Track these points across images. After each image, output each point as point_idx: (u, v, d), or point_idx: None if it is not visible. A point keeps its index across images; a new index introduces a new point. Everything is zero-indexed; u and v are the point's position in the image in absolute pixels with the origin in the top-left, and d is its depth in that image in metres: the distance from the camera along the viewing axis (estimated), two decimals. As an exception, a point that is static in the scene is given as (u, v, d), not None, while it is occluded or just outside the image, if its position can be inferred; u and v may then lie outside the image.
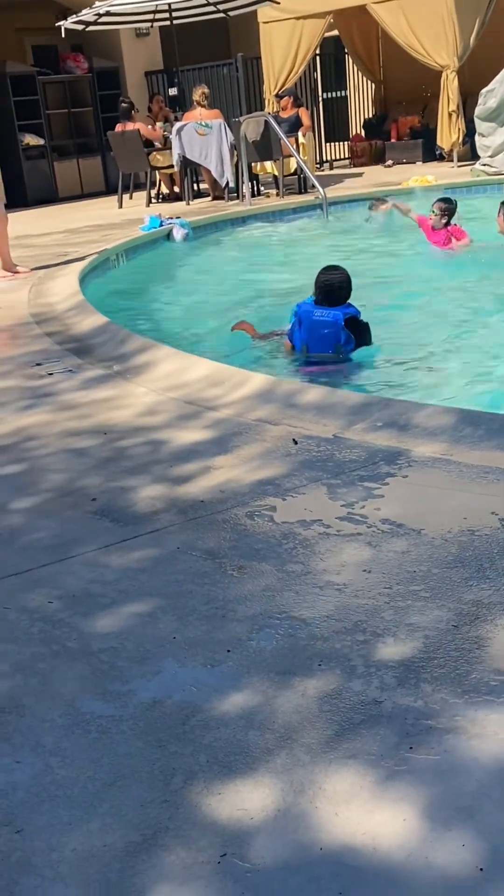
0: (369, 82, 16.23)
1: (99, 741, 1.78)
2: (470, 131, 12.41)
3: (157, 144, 12.20)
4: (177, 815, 1.58)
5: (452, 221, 7.34)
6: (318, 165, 14.73)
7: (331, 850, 1.46)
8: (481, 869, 1.39)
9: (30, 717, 1.87)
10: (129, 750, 1.75)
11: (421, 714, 1.74)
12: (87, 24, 12.37)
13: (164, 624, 2.17)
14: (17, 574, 2.48)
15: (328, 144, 16.42)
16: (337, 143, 16.52)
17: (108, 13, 12.06)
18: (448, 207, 7.29)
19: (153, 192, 12.63)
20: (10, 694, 1.95)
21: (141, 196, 12.52)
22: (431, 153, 13.98)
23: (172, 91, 13.45)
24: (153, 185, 12.65)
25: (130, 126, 12.05)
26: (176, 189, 12.58)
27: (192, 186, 12.29)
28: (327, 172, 14.57)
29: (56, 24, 12.51)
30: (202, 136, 11.39)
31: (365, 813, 1.53)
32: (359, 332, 4.67)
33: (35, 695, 1.94)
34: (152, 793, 1.63)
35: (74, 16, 12.29)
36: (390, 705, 1.78)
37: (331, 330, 4.59)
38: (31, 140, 14.22)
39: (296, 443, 3.18)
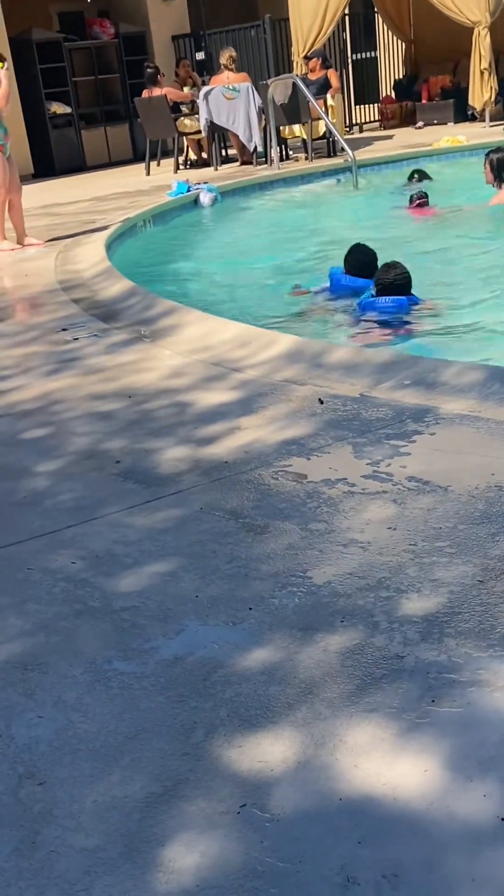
0: (399, 42, 15.90)
1: (120, 696, 1.78)
2: (502, 90, 12.13)
3: (185, 109, 12.08)
4: (197, 767, 1.58)
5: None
6: (347, 128, 14.52)
7: (350, 801, 1.45)
8: (502, 819, 1.37)
9: (52, 673, 1.88)
10: (151, 705, 1.75)
11: (444, 668, 1.72)
12: (112, -12, 12.22)
13: (187, 583, 2.16)
14: (41, 536, 2.49)
15: (358, 107, 16.14)
16: (367, 106, 16.23)
17: (132, -23, 11.91)
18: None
19: (181, 159, 12.53)
20: (33, 652, 1.96)
21: (168, 163, 12.44)
22: (463, 113, 13.70)
23: (200, 55, 13.30)
24: (181, 151, 12.56)
25: (157, 91, 11.94)
26: (204, 155, 12.48)
27: (220, 152, 12.19)
28: (357, 135, 14.35)
29: (81, -11, 12.38)
30: (230, 99, 11.25)
31: (385, 764, 1.52)
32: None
33: (57, 652, 1.95)
34: (173, 746, 1.63)
35: (99, -20, 12.16)
36: (413, 660, 1.76)
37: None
38: (57, 108, 14.14)
39: (322, 402, 3.15)
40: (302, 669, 1.79)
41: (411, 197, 7.78)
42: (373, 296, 4.77)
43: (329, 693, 1.71)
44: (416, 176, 8.92)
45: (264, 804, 1.47)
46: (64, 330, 4.67)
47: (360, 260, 5.23)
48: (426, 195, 7.71)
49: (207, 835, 1.43)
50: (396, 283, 4.75)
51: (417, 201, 7.60)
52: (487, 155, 7.31)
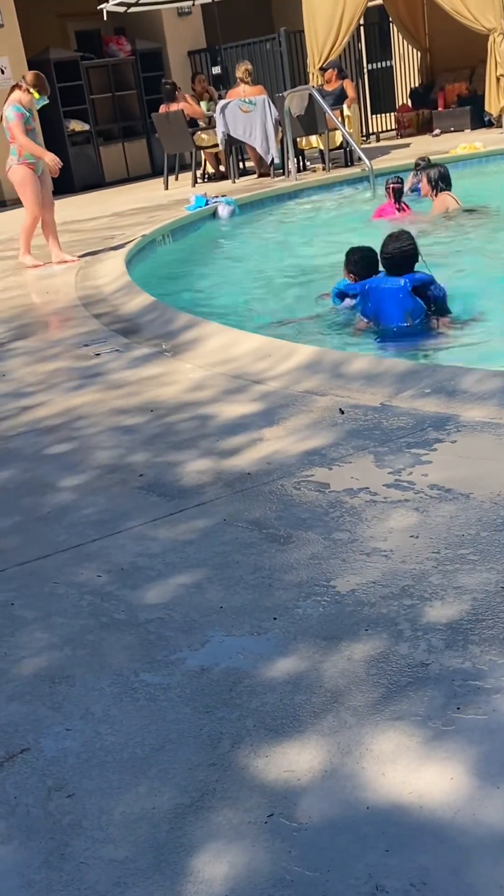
0: (415, 51, 15.92)
1: (147, 708, 1.80)
2: (519, 95, 12.12)
3: (201, 123, 12.16)
4: (224, 777, 1.59)
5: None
6: (364, 137, 14.53)
7: (377, 809, 1.46)
8: (530, 827, 1.37)
9: (79, 686, 1.90)
10: (177, 716, 1.76)
11: (469, 675, 1.72)
12: (129, 5, 12.37)
13: (211, 594, 2.18)
14: (67, 550, 2.52)
15: (374, 116, 16.18)
16: (383, 115, 16.26)
17: (148, -6, 12.04)
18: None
19: (199, 172, 12.61)
20: (60, 665, 1.98)
21: (187, 177, 12.51)
22: (480, 120, 13.68)
23: (216, 69, 13.39)
24: (198, 165, 12.63)
25: (174, 107, 12.04)
26: (221, 168, 12.54)
27: (238, 164, 12.24)
28: (374, 144, 14.38)
29: (98, 8, 12.53)
30: (246, 112, 11.31)
31: (412, 772, 1.52)
32: (429, 298, 4.59)
33: (84, 665, 1.97)
34: (200, 756, 1.64)
35: (115, -2, 12.30)
36: (437, 667, 1.76)
37: (398, 298, 4.57)
38: (76, 126, 14.29)
39: (342, 412, 3.16)
40: (327, 678, 1.79)
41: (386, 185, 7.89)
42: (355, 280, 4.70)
43: (354, 701, 1.71)
44: (420, 164, 8.88)
45: (291, 813, 1.48)
46: (86, 346, 4.72)
47: (366, 258, 5.10)
48: (401, 180, 7.81)
49: (235, 845, 1.44)
50: (396, 257, 4.55)
51: (392, 185, 7.67)
52: (424, 170, 7.93)
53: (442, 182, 7.65)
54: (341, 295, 4.95)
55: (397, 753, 1.57)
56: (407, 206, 7.71)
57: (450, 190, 7.64)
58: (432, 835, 1.39)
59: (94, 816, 1.55)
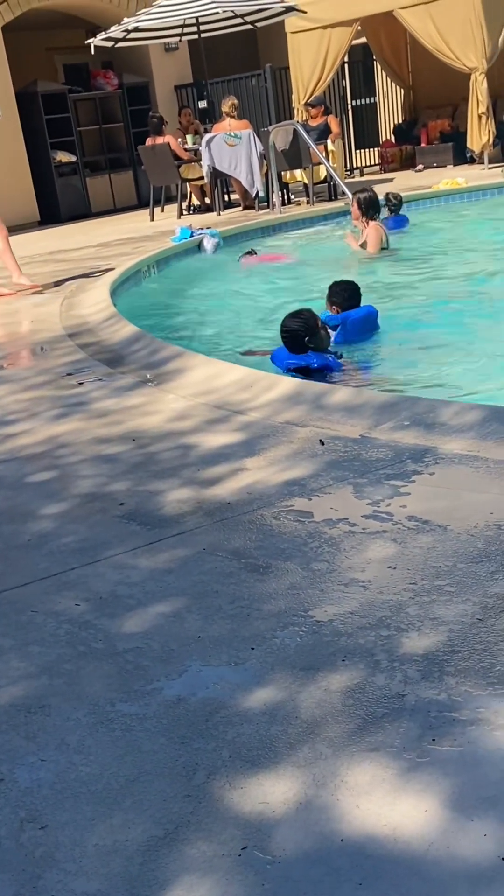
0: (398, 88, 16.21)
1: (122, 739, 1.79)
2: (500, 133, 12.35)
3: (186, 156, 12.30)
4: (199, 809, 1.58)
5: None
6: (348, 172, 14.74)
7: (352, 842, 1.45)
8: (503, 858, 1.37)
9: (55, 716, 1.89)
10: (153, 747, 1.75)
11: (444, 706, 1.73)
12: (117, 40, 12.53)
13: (190, 623, 2.17)
14: (46, 578, 2.51)
15: (358, 151, 16.42)
16: (367, 150, 16.51)
17: (136, 29, 12.20)
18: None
19: (184, 204, 12.73)
20: (36, 694, 1.97)
21: (172, 209, 12.63)
22: (462, 156, 13.92)
23: (202, 104, 13.57)
24: (184, 197, 12.76)
25: (161, 140, 12.17)
26: (207, 200, 12.67)
27: (223, 197, 12.37)
28: (357, 178, 14.57)
29: (86, 42, 12.69)
30: (231, 146, 11.46)
31: (386, 804, 1.52)
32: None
33: (60, 695, 1.96)
34: (175, 788, 1.64)
35: (103, 33, 12.46)
36: (413, 698, 1.77)
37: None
38: (63, 157, 14.42)
39: (322, 444, 3.18)
40: (303, 709, 1.79)
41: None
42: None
43: (330, 732, 1.72)
44: (392, 200, 8.98)
45: (265, 846, 1.48)
46: (69, 375, 4.73)
47: (349, 290, 5.32)
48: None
49: (209, 878, 1.43)
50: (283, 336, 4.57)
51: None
52: (355, 195, 8.02)
53: (372, 209, 7.83)
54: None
55: (372, 785, 1.57)
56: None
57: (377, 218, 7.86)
58: (406, 868, 1.39)
59: (66, 849, 1.53)
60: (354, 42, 14.33)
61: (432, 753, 1.62)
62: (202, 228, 9.61)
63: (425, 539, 2.40)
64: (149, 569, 2.47)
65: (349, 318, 5.14)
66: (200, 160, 11.82)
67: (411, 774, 1.58)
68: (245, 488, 2.92)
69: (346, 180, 12.30)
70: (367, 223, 7.78)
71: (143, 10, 12.25)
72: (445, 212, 10.37)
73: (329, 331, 4.89)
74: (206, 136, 11.67)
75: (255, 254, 8.27)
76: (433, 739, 1.65)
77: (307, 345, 4.43)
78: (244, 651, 2.02)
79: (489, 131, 12.67)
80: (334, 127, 12.36)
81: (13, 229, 13.27)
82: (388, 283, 6.89)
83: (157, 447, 3.45)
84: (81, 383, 4.52)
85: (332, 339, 4.94)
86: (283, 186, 11.99)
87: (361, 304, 5.30)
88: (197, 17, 12.03)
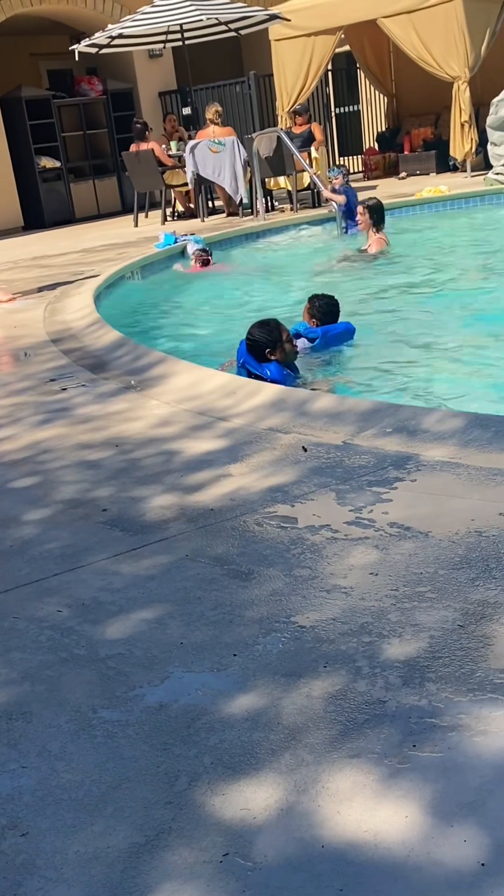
0: (382, 96, 16.29)
1: (104, 745, 1.79)
2: (482, 141, 12.43)
3: (170, 162, 12.32)
4: (180, 815, 1.58)
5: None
6: (331, 179, 14.78)
7: (333, 848, 1.46)
8: (483, 864, 1.38)
9: (37, 723, 1.88)
10: (135, 753, 1.75)
11: (425, 713, 1.74)
12: (101, 46, 12.53)
13: (172, 630, 2.18)
14: (28, 584, 2.50)
15: (342, 158, 16.50)
16: (351, 157, 16.59)
17: (120, 35, 12.21)
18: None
19: (168, 211, 12.74)
20: (18, 701, 1.97)
21: (156, 215, 12.64)
22: (445, 164, 14.00)
23: (186, 110, 13.59)
24: (168, 203, 12.77)
25: (144, 146, 12.18)
26: (191, 206, 12.68)
27: (207, 203, 12.39)
28: (341, 186, 14.60)
29: (70, 48, 12.69)
30: (215, 153, 11.48)
31: (367, 810, 1.52)
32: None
33: (42, 701, 1.96)
34: (156, 795, 1.64)
35: (88, 39, 12.46)
36: (394, 705, 1.78)
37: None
38: (47, 162, 14.40)
39: (305, 450, 3.19)
40: (285, 715, 1.80)
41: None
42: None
43: (312, 739, 1.72)
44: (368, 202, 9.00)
45: (247, 852, 1.48)
46: (52, 381, 4.72)
47: (330, 304, 5.38)
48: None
49: (190, 885, 1.43)
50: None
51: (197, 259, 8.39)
52: (362, 203, 8.27)
53: (379, 217, 8.03)
54: (297, 335, 5.02)
55: (353, 791, 1.57)
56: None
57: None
58: (387, 874, 1.40)
59: (47, 856, 1.53)
60: (338, 50, 14.39)
61: (413, 759, 1.62)
62: (186, 234, 9.62)
63: (407, 545, 2.41)
64: (131, 575, 2.47)
65: (329, 333, 5.21)
66: (184, 166, 11.83)
67: (392, 780, 1.58)
68: (228, 494, 2.92)
69: (329, 187, 12.32)
70: (376, 231, 7.99)
71: (128, 17, 12.27)
72: (428, 219, 10.43)
73: (296, 344, 4.83)
74: (191, 143, 11.69)
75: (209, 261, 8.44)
76: (414, 745, 1.66)
77: (268, 356, 4.43)
78: (226, 657, 2.02)
79: (472, 139, 12.75)
80: (318, 134, 12.41)
81: (-4, 234, 13.28)
82: (371, 289, 6.93)
83: (141, 453, 3.44)
84: (65, 389, 4.52)
85: (306, 350, 5.00)
86: (267, 193, 12.01)
87: (340, 318, 5.35)
88: (181, 24, 12.06)
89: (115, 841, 1.54)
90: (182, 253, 9.25)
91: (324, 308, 5.35)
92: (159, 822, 1.57)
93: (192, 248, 9.21)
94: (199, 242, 9.28)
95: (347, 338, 5.30)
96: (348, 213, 9.41)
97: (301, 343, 5.05)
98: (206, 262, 8.47)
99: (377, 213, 8.00)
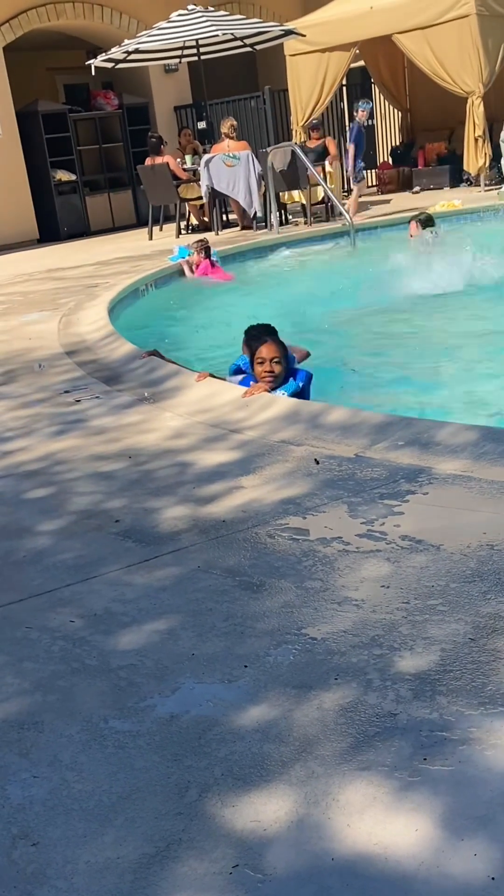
0: (396, 111, 16.35)
1: (115, 756, 1.79)
2: (496, 155, 12.46)
3: (185, 176, 12.40)
4: (190, 826, 1.58)
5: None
6: (345, 193, 14.83)
7: (343, 861, 1.46)
8: (493, 878, 1.37)
9: (48, 732, 1.89)
10: (145, 764, 1.76)
11: (436, 726, 1.74)
12: (117, 61, 12.63)
13: (184, 641, 2.18)
14: (41, 594, 2.52)
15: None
16: (365, 171, 16.62)
17: (136, 51, 12.31)
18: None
19: (183, 224, 12.80)
20: (30, 710, 1.98)
21: (171, 228, 12.70)
22: (458, 178, 14.04)
23: (201, 124, 13.67)
24: (183, 216, 12.83)
25: (160, 160, 12.26)
26: (205, 220, 12.75)
27: (221, 217, 12.45)
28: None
29: (86, 63, 12.80)
30: (230, 167, 11.54)
31: (378, 823, 1.52)
32: None
33: (54, 711, 1.96)
34: (167, 805, 1.64)
35: (104, 54, 12.57)
36: (405, 718, 1.77)
37: None
38: (63, 176, 14.50)
39: (318, 462, 3.20)
40: (296, 727, 1.80)
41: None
42: None
43: (323, 751, 1.72)
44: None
45: (256, 864, 1.48)
46: (67, 392, 4.75)
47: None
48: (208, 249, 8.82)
49: None
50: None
51: (198, 251, 8.64)
52: (413, 219, 9.07)
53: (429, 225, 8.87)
54: (239, 371, 4.60)
55: (364, 804, 1.57)
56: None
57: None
58: (397, 887, 1.39)
59: (58, 866, 1.54)
60: (353, 65, 14.47)
61: (424, 773, 1.62)
62: (200, 248, 9.65)
63: (418, 558, 2.41)
64: (143, 586, 2.48)
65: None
66: (199, 180, 11.90)
67: (403, 794, 1.58)
68: (240, 506, 2.93)
69: (343, 201, 12.38)
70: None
71: (144, 32, 12.37)
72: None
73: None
74: (205, 157, 11.76)
75: (213, 264, 8.67)
76: (425, 759, 1.65)
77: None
78: (237, 669, 2.03)
79: (485, 154, 12.79)
80: (332, 149, 12.47)
81: (12, 247, 13.39)
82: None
83: (154, 465, 3.46)
84: (78, 401, 4.54)
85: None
86: (281, 207, 12.07)
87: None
88: (196, 40, 12.15)
89: (126, 851, 1.55)
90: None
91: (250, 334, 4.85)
92: (170, 833, 1.57)
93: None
94: (214, 255, 9.33)
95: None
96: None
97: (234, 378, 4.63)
98: (207, 252, 8.69)
99: (426, 224, 8.85)
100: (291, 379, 4.29)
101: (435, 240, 8.71)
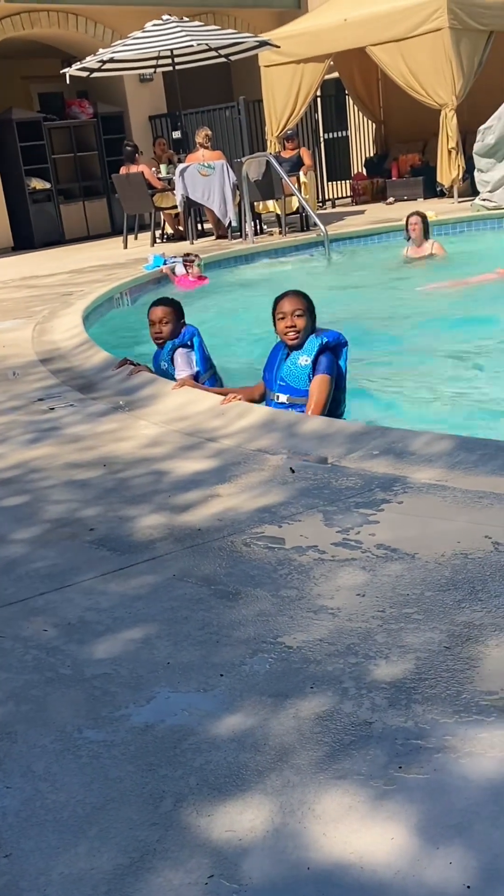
0: (370, 122, 16.47)
1: (90, 766, 1.78)
2: (469, 167, 12.57)
3: (160, 186, 12.41)
4: (165, 837, 1.57)
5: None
6: (319, 204, 14.92)
7: (319, 870, 1.45)
8: (468, 886, 1.38)
9: (21, 743, 1.87)
10: (120, 774, 1.74)
11: (411, 734, 1.74)
12: (92, 70, 12.62)
13: (159, 650, 2.17)
14: (14, 603, 2.49)
15: (330, 183, 16.64)
16: (339, 182, 16.73)
17: (111, 60, 12.31)
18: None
19: (158, 233, 12.80)
20: (3, 721, 1.96)
21: (146, 236, 12.70)
22: (432, 189, 14.15)
23: (176, 134, 13.69)
24: (158, 225, 12.83)
25: (135, 169, 12.26)
26: (180, 228, 12.75)
27: (196, 226, 12.46)
28: (329, 210, 14.75)
29: (61, 72, 12.78)
30: (205, 176, 11.56)
31: (353, 832, 1.52)
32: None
33: (27, 721, 1.94)
34: (141, 816, 1.63)
35: (79, 63, 12.56)
36: (381, 726, 1.77)
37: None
38: (37, 184, 14.46)
39: (293, 471, 3.20)
40: (272, 736, 1.79)
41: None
42: None
43: (298, 760, 1.72)
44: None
45: (232, 874, 1.47)
46: (41, 400, 4.72)
47: None
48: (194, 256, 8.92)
49: (175, 906, 1.42)
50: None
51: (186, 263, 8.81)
52: (418, 216, 8.94)
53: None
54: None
55: (339, 813, 1.57)
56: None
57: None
58: None
59: (31, 877, 1.52)
60: (327, 77, 14.56)
61: (399, 781, 1.62)
62: (175, 256, 9.66)
63: (394, 567, 2.42)
64: (118, 594, 2.47)
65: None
66: (174, 189, 11.91)
67: (378, 802, 1.58)
68: (216, 515, 2.92)
69: (318, 212, 12.44)
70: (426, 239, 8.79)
71: (119, 42, 12.37)
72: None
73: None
74: (180, 166, 11.78)
75: (198, 267, 8.76)
76: (400, 767, 1.66)
77: None
78: (213, 678, 2.02)
79: (459, 166, 12.90)
80: (306, 159, 12.53)
81: (-14, 254, 13.30)
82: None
83: (129, 473, 3.45)
84: (52, 408, 4.51)
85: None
86: (256, 217, 12.10)
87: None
88: (171, 50, 12.17)
89: (100, 862, 1.53)
90: (173, 271, 9.30)
91: None
92: (144, 844, 1.56)
93: (180, 270, 9.27)
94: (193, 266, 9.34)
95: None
96: None
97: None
98: (190, 263, 8.84)
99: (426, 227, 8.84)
100: (313, 336, 4.03)
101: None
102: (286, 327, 4.03)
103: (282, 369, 4.12)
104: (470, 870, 1.41)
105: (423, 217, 8.87)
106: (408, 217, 8.88)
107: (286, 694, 1.92)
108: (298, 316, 4.02)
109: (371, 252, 10.31)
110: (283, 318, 4.05)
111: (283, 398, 4.11)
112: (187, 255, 9.13)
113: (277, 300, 4.14)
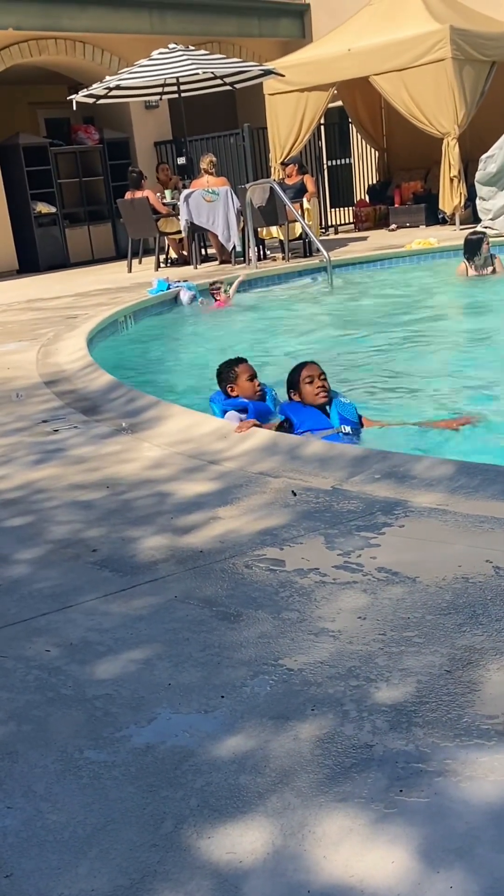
0: (373, 150, 16.63)
1: (90, 786, 1.78)
2: (471, 195, 12.68)
3: (164, 210, 12.53)
4: (166, 858, 1.57)
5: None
6: (322, 230, 15.03)
7: (319, 893, 1.45)
8: (469, 909, 1.38)
9: (22, 763, 1.88)
10: (121, 795, 1.75)
11: (412, 757, 1.74)
12: (98, 97, 12.77)
13: (160, 671, 2.18)
14: (16, 623, 2.50)
15: (333, 210, 16.77)
16: (342, 209, 16.87)
17: (118, 87, 12.46)
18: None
19: (162, 257, 12.89)
20: (4, 741, 1.96)
21: (150, 261, 12.79)
22: (434, 217, 14.26)
23: (181, 160, 13.82)
24: (162, 250, 12.93)
25: (140, 194, 12.37)
26: (184, 253, 12.85)
27: (200, 251, 12.55)
28: (332, 237, 14.86)
29: (68, 98, 12.93)
30: (209, 202, 11.67)
31: (354, 856, 1.52)
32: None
33: (28, 741, 1.95)
34: (142, 837, 1.63)
35: (86, 89, 12.70)
36: (381, 749, 1.78)
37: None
38: (43, 208, 14.59)
39: (295, 494, 3.21)
40: (273, 758, 1.80)
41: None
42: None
43: (299, 782, 1.72)
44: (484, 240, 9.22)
45: None
46: (45, 422, 4.74)
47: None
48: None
49: (175, 927, 1.42)
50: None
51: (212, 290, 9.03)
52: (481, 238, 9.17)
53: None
54: (237, 409, 4.56)
55: (340, 836, 1.57)
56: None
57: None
58: (373, 917, 1.39)
59: (32, 898, 1.52)
60: (331, 105, 14.72)
61: (400, 804, 1.62)
62: (179, 281, 9.73)
63: (395, 590, 2.42)
64: (120, 615, 2.48)
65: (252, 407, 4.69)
66: (178, 214, 12.02)
67: (379, 825, 1.58)
68: (218, 537, 2.94)
69: (321, 238, 12.54)
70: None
71: (125, 69, 12.53)
72: (418, 270, 10.59)
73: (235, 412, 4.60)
74: (185, 192, 11.89)
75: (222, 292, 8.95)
76: (401, 790, 1.66)
77: (291, 396, 4.41)
78: (214, 699, 2.02)
79: (461, 194, 13.02)
80: (310, 186, 12.63)
81: (-9, 277, 13.40)
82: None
83: (132, 495, 3.46)
84: (56, 430, 4.54)
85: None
86: (260, 242, 12.19)
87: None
88: (177, 77, 12.32)
89: (100, 883, 1.53)
90: (175, 299, 9.36)
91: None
92: (144, 865, 1.56)
93: (184, 295, 9.33)
94: (192, 289, 9.40)
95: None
96: None
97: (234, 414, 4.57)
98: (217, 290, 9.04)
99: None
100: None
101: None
102: (319, 388, 4.33)
103: (336, 417, 4.30)
104: (470, 894, 1.41)
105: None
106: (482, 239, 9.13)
107: (287, 716, 1.93)
108: (324, 378, 4.38)
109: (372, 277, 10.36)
110: (311, 382, 4.34)
111: (346, 428, 4.30)
112: (213, 283, 9.23)
113: (299, 369, 4.41)
